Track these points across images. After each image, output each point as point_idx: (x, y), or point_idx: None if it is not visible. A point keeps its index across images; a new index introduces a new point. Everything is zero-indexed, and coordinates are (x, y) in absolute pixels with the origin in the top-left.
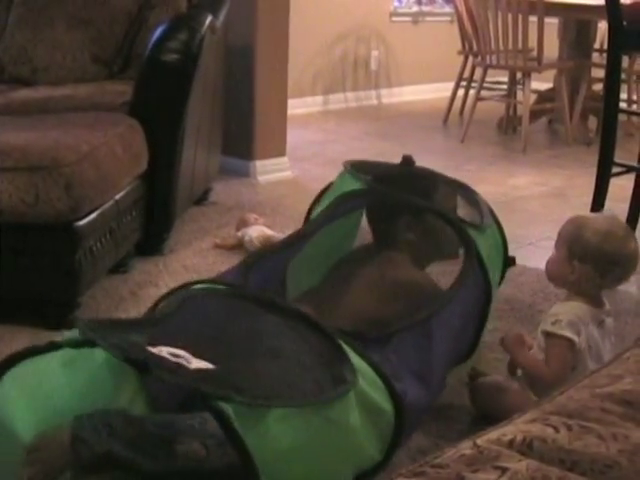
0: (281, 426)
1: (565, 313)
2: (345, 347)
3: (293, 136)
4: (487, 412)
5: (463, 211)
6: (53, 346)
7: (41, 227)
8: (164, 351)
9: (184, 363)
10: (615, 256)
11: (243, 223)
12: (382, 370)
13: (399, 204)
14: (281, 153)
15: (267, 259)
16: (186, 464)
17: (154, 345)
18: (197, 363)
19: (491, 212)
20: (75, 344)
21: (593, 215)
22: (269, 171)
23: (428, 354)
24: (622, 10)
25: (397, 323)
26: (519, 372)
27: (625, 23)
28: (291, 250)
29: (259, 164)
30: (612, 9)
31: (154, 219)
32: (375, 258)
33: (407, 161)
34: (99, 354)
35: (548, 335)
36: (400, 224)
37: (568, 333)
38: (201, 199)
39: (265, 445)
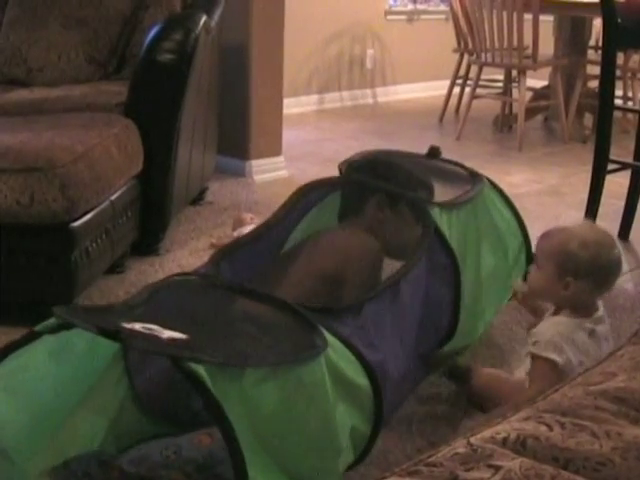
0: (257, 391)
1: (544, 333)
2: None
3: (289, 135)
4: (483, 403)
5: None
6: (32, 336)
7: (37, 228)
8: (137, 326)
9: (156, 334)
10: (609, 266)
11: (239, 222)
12: (352, 343)
13: (364, 187)
14: (277, 152)
15: (235, 252)
16: None
17: (127, 323)
18: (170, 334)
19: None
20: (52, 329)
21: (573, 227)
22: (265, 170)
23: (400, 318)
24: (616, 7)
25: (363, 292)
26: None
27: (619, 20)
28: (260, 240)
29: (255, 163)
30: (606, 6)
31: (150, 219)
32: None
33: (433, 152)
34: (80, 344)
35: (532, 356)
36: (370, 203)
37: (549, 354)
38: (197, 199)
39: (243, 412)
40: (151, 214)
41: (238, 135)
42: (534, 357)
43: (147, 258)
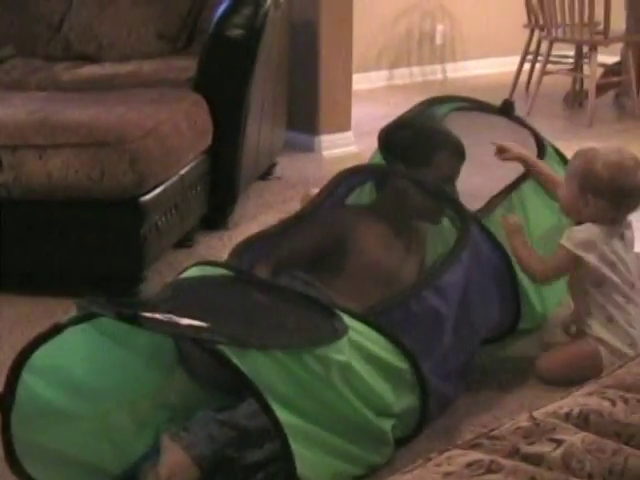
0: (279, 369)
1: (581, 230)
2: (340, 313)
3: (358, 111)
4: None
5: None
6: (58, 329)
7: (107, 202)
8: (157, 315)
9: (175, 320)
10: (627, 188)
11: (307, 198)
12: (386, 329)
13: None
14: (346, 128)
15: (259, 243)
16: None
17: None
18: (188, 321)
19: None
20: (76, 321)
21: (601, 148)
22: (334, 146)
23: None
24: None
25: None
26: (572, 329)
27: None
28: (287, 233)
29: (324, 139)
30: None
31: (219, 194)
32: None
33: (507, 106)
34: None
35: (560, 247)
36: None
37: (579, 251)
38: (266, 174)
39: (279, 385)
40: (220, 189)
41: (307, 110)
42: (560, 246)
43: (216, 232)
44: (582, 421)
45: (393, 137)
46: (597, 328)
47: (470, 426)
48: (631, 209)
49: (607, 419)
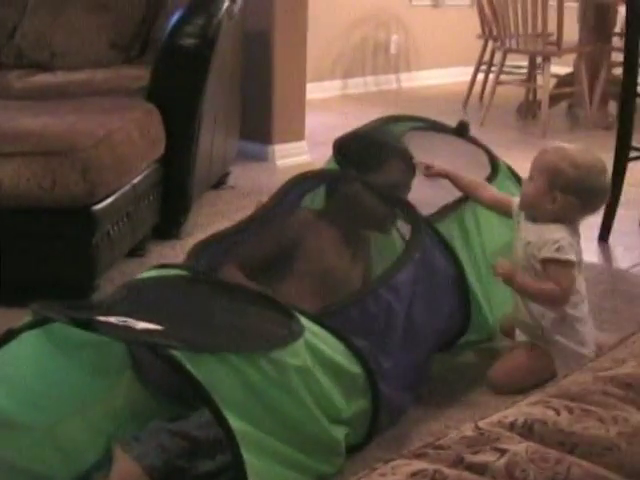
0: (233, 374)
1: (563, 238)
2: (297, 314)
3: (312, 120)
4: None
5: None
6: (12, 334)
7: (58, 211)
8: (111, 319)
9: (130, 325)
10: (595, 188)
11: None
12: (340, 331)
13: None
14: (299, 137)
15: (215, 245)
16: None
17: (103, 316)
18: (144, 325)
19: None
20: (30, 326)
21: (569, 146)
22: (287, 155)
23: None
24: None
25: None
26: (517, 335)
27: None
28: (241, 235)
29: (277, 148)
30: None
31: (171, 203)
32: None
33: (462, 127)
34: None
35: (553, 261)
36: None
37: (572, 256)
38: (219, 183)
39: (231, 392)
40: (173, 198)
41: (261, 120)
42: (556, 261)
43: (168, 242)
44: (526, 430)
45: (348, 145)
46: (549, 329)
47: (420, 435)
48: (595, 209)
49: (551, 428)
